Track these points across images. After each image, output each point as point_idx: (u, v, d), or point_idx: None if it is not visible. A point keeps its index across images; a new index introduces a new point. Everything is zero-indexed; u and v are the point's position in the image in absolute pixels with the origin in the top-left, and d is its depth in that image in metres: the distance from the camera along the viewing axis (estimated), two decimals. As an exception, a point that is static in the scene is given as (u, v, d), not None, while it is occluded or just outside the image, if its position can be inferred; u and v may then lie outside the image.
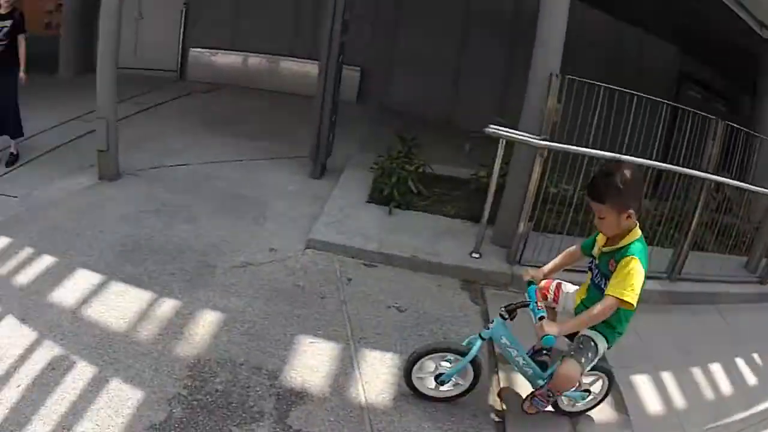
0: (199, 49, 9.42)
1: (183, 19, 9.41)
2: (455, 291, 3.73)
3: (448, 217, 4.49)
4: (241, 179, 5.37)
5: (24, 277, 3.54)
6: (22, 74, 5.51)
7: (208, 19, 9.24)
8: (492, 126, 3.65)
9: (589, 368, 2.45)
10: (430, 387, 2.75)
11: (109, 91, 5.03)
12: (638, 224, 2.34)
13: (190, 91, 8.59)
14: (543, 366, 2.66)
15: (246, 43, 9.01)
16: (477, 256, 3.88)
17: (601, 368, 2.65)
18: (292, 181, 5.23)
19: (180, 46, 9.52)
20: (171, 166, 5.53)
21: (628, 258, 2.25)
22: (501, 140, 3.67)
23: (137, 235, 4.11)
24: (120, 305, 3.32)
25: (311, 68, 7.92)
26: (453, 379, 2.72)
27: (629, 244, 2.29)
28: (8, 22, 5.41)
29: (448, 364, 2.67)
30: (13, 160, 5.63)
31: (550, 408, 2.72)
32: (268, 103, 8.18)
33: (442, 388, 2.75)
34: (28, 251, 3.87)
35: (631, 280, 2.21)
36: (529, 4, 4.77)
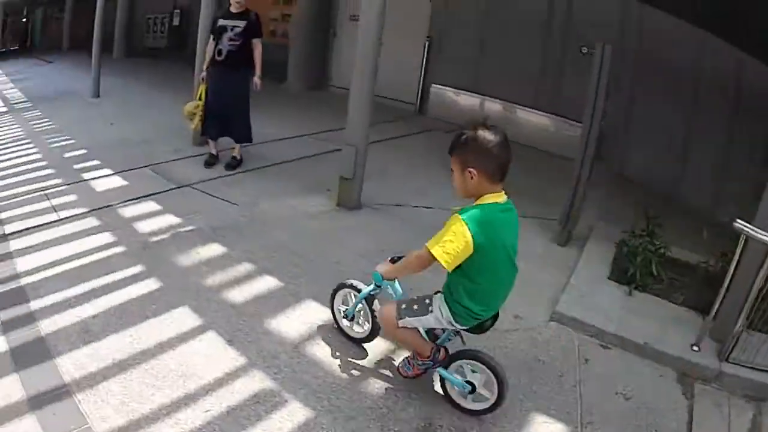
0: (440, 86, 9.60)
1: (425, 52, 9.64)
2: (672, 383, 3.48)
3: (676, 304, 4.29)
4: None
5: (238, 295, 3.57)
6: (256, 79, 5.59)
7: (450, 55, 9.37)
8: (739, 222, 3.41)
9: (411, 320, 2.57)
10: (345, 323, 3.17)
11: (362, 118, 5.01)
12: (504, 198, 2.38)
13: (431, 129, 8.76)
14: (435, 338, 2.72)
15: (487, 87, 9.01)
16: (696, 349, 3.72)
17: (480, 359, 2.60)
18: (538, 245, 5.04)
19: (421, 80, 9.79)
20: (414, 206, 5.49)
21: (454, 216, 2.28)
22: (742, 236, 3.42)
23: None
24: (351, 350, 3.18)
25: (549, 122, 8.06)
26: (361, 321, 3.08)
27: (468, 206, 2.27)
28: (241, 23, 5.51)
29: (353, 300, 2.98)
30: (235, 165, 5.80)
31: (437, 383, 2.88)
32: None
33: (354, 327, 3.14)
34: (246, 266, 4.04)
35: (446, 236, 2.24)
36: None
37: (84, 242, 4.42)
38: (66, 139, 7.83)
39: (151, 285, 3.75)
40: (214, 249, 4.26)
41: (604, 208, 5.44)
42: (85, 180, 5.98)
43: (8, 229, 4.71)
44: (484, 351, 2.76)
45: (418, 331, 2.67)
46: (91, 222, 4.83)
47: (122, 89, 12.20)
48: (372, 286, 2.86)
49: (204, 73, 5.84)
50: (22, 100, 12.50)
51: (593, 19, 7.54)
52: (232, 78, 5.63)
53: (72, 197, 5.47)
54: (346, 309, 3.12)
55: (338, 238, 4.53)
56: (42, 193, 5.61)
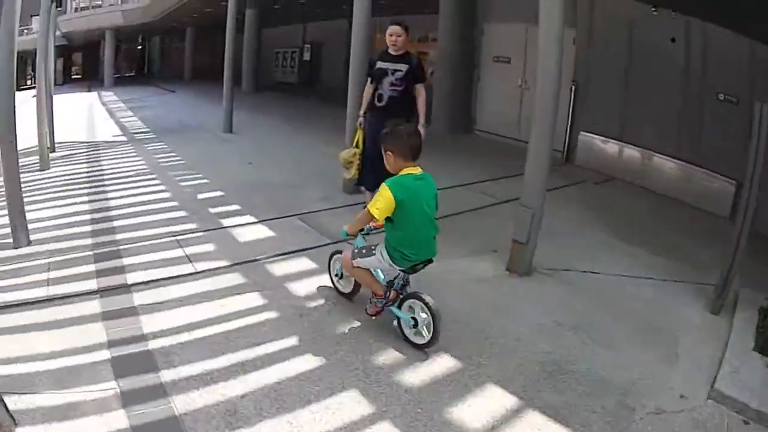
0: (588, 134, 9.22)
1: (572, 97, 9.32)
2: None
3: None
4: (653, 300, 4.63)
5: (412, 376, 3.22)
6: (420, 128, 5.25)
7: (597, 102, 9.06)
8: None
9: (361, 260, 3.62)
10: (339, 282, 4.13)
11: (540, 178, 4.76)
12: (419, 171, 3.44)
13: (581, 180, 8.41)
14: (405, 288, 3.67)
15: (633, 136, 8.66)
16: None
17: (422, 300, 3.42)
18: (694, 314, 4.50)
19: (567, 127, 9.48)
20: (582, 272, 5.10)
21: (382, 185, 3.34)
22: None
23: (556, 354, 3.63)
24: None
25: (685, 172, 7.73)
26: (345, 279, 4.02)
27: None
28: (403, 67, 5.38)
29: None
30: None
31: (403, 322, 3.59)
32: (654, 203, 7.64)
33: (341, 281, 4.10)
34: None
35: (377, 198, 3.34)
36: None
37: (227, 303, 4.00)
38: (198, 177, 7.75)
39: (311, 361, 3.32)
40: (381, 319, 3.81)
41: (747, 272, 4.89)
42: (224, 227, 5.66)
43: (132, 277, 4.38)
44: (426, 294, 3.46)
45: (371, 273, 3.67)
46: (235, 278, 4.42)
47: (255, 125, 12.30)
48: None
49: (361, 119, 5.74)
50: (143, 129, 13.01)
51: (728, 64, 7.16)
52: None
53: (210, 246, 5.13)
54: (336, 270, 4.11)
55: (513, 309, 4.22)
56: (173, 238, 5.30)
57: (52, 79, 10.47)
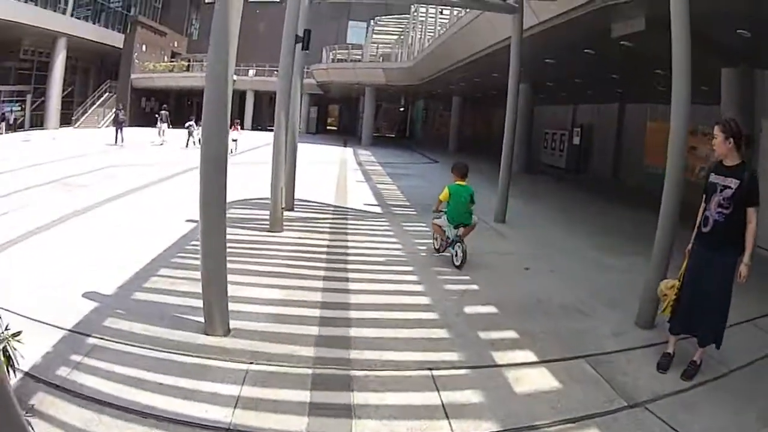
0: None
1: None
2: None
3: None
4: None
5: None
6: (743, 266, 4.92)
7: None
8: None
9: (436, 221, 7.91)
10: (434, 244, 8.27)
11: None
12: (464, 182, 7.81)
13: None
14: (456, 238, 7.67)
15: None
16: None
17: (459, 242, 7.48)
18: None
19: None
20: None
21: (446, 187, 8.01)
22: None
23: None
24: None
25: None
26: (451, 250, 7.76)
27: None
28: (733, 182, 4.91)
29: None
30: (692, 373, 5.15)
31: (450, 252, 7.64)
32: None
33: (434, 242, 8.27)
34: None
35: (441, 193, 7.84)
36: None
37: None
38: (465, 281, 7.09)
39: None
40: None
41: None
42: (497, 365, 4.88)
43: (361, 427, 3.72)
44: (463, 242, 7.45)
45: (442, 230, 7.83)
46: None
47: (528, 216, 11.78)
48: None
49: (690, 245, 5.39)
50: (403, 203, 12.86)
51: None
52: (715, 259, 5.09)
53: (476, 395, 4.34)
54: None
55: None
56: (428, 372, 4.54)
57: (296, 128, 10.79)
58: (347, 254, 7.80)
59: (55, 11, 36.00)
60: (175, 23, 51.44)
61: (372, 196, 13.30)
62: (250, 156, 20.94)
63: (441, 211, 7.76)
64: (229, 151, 5.31)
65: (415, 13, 30.97)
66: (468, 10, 15.53)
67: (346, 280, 6.68)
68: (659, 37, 7.19)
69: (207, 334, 4.81)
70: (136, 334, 4.79)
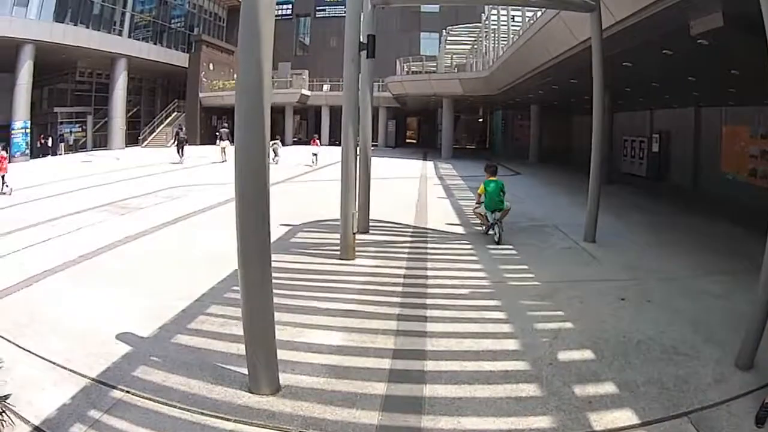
0: None
1: None
2: None
3: None
4: None
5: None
6: None
7: None
8: None
9: (482, 213, 10.46)
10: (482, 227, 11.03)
11: None
12: (494, 178, 10.63)
13: None
14: (495, 221, 10.29)
15: None
16: None
17: (497, 223, 10.03)
18: None
19: None
20: None
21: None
22: None
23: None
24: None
25: None
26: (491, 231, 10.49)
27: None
28: None
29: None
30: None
31: (491, 232, 10.20)
32: None
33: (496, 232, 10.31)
34: None
35: (479, 189, 10.74)
36: None
37: None
38: (557, 317, 6.43)
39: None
40: None
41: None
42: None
43: None
44: (500, 224, 10.04)
45: (484, 215, 10.52)
46: None
47: (619, 234, 11.05)
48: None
49: None
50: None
51: None
52: None
53: None
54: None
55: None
56: None
57: (368, 143, 10.32)
58: (426, 285, 7.16)
59: (109, 32, 37.63)
60: (241, 42, 52.75)
61: (454, 214, 12.79)
62: (330, 172, 20.66)
63: (480, 202, 10.62)
64: (272, 161, 4.70)
65: (487, 21, 30.66)
66: (541, 12, 15.34)
67: (424, 319, 6.05)
68: (738, 35, 7.21)
69: (251, 393, 4.23)
70: (169, 388, 4.32)
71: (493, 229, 10.07)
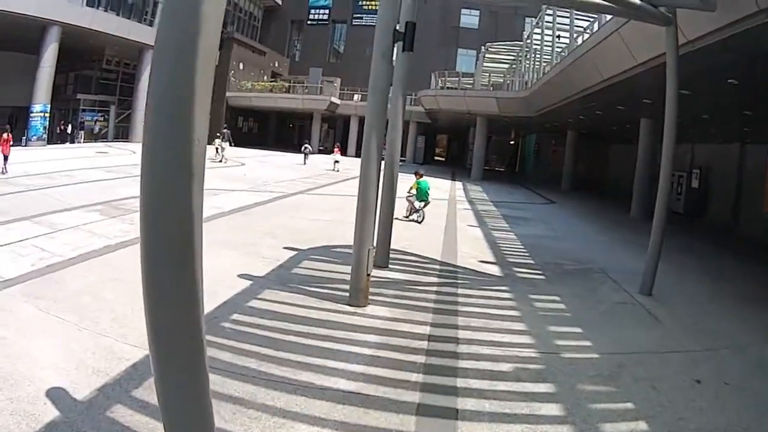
0: None
1: None
2: None
3: None
4: None
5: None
6: None
7: None
8: None
9: (413, 201, 14.44)
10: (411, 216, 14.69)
11: None
12: (423, 179, 15.00)
13: None
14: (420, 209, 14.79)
15: None
16: None
17: (419, 210, 14.21)
18: None
19: None
20: None
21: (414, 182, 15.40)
22: None
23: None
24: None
25: None
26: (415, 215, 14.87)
27: None
28: None
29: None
30: None
31: (413, 217, 14.06)
32: None
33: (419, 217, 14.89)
34: None
35: (412, 186, 15.04)
36: None
37: None
38: (627, 412, 4.98)
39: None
40: None
41: None
42: None
43: None
44: (422, 211, 14.04)
45: (412, 203, 14.57)
46: None
47: (673, 282, 9.70)
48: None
49: None
50: (525, 260, 10.71)
51: None
52: None
53: None
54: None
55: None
56: None
57: (395, 160, 8.99)
58: (457, 355, 5.54)
59: (140, 22, 36.41)
60: (276, 43, 52.14)
61: (488, 249, 11.22)
62: (352, 186, 19.05)
63: (413, 194, 14.19)
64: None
65: (528, 40, 29.44)
66: (595, 31, 15.00)
67: (454, 415, 4.41)
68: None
69: None
70: None
71: (416, 215, 14.10)
